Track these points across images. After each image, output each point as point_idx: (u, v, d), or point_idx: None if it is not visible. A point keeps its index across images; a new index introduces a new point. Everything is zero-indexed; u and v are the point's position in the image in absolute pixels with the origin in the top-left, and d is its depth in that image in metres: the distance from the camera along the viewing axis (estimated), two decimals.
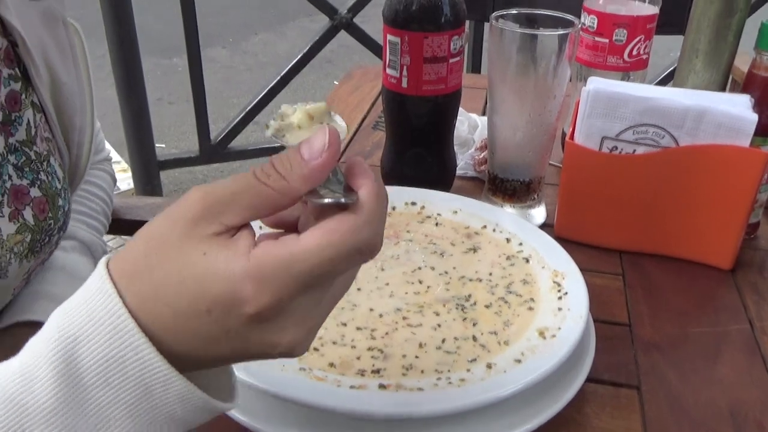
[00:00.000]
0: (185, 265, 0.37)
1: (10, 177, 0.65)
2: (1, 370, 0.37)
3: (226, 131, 2.59)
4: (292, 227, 0.44)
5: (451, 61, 0.82)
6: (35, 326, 0.65)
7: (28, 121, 0.67)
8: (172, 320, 0.37)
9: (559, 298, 0.64)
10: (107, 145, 1.07)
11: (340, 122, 0.45)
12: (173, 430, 0.39)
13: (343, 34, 2.56)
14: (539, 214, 0.87)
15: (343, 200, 0.38)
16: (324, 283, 0.38)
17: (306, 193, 0.38)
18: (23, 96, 0.67)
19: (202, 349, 0.38)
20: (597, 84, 0.78)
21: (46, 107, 0.72)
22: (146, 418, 0.37)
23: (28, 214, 0.66)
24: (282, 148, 0.41)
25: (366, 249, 0.38)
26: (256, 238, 0.38)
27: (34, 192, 0.67)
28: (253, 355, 0.39)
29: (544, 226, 0.83)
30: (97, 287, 0.37)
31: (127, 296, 0.37)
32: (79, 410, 0.36)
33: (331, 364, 0.57)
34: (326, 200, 0.38)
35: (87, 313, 0.36)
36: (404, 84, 0.83)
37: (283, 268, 0.36)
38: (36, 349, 0.37)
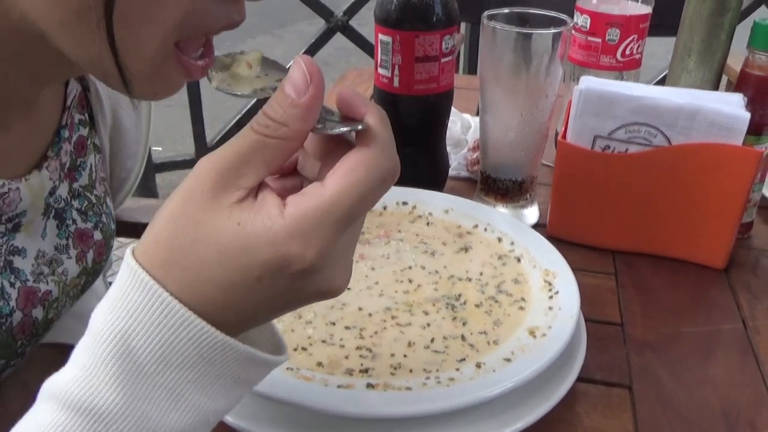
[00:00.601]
0: (223, 240, 0.36)
1: (74, 221, 0.65)
2: (62, 380, 0.36)
3: (222, 134, 2.58)
4: (290, 170, 0.44)
5: (442, 60, 0.82)
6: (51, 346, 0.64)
7: (91, 165, 0.67)
8: (222, 296, 0.37)
9: (550, 297, 0.63)
10: None
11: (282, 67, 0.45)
12: (241, 390, 0.40)
13: (339, 37, 2.56)
14: (532, 214, 0.86)
15: (360, 127, 0.38)
16: (358, 219, 0.39)
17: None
18: (89, 141, 0.67)
19: (253, 314, 0.38)
20: (589, 83, 0.78)
21: (104, 148, 0.72)
22: (213, 388, 0.38)
23: (89, 257, 0.66)
24: None
25: (389, 176, 0.38)
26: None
27: (97, 235, 0.67)
28: (302, 305, 0.40)
29: (536, 226, 0.83)
30: (132, 279, 0.37)
31: (168, 285, 0.36)
32: (148, 399, 0.36)
33: (319, 364, 0.56)
34: (341, 129, 0.38)
35: (130, 306, 0.36)
36: (396, 83, 0.82)
37: (322, 218, 0.36)
38: (86, 353, 0.37)
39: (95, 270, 0.68)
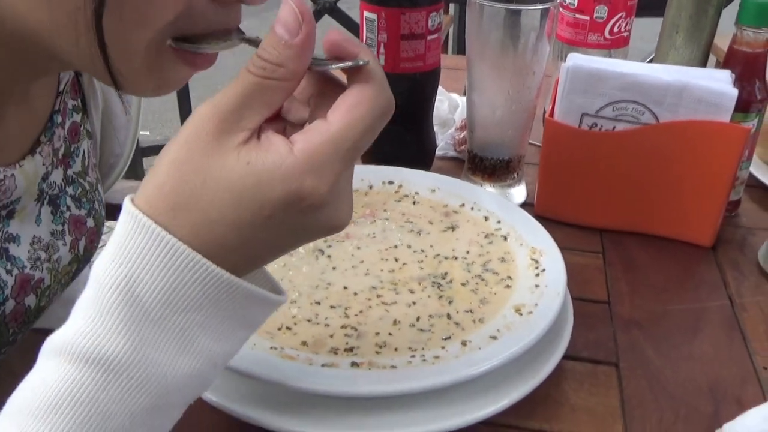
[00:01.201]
0: (234, 180, 0.36)
1: (68, 208, 0.64)
2: (66, 334, 0.36)
3: None
4: (274, 116, 0.43)
5: (429, 38, 0.81)
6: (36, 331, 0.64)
7: (84, 151, 0.66)
8: (232, 235, 0.37)
9: (537, 275, 0.63)
10: None
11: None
12: (246, 331, 0.40)
13: (327, 19, 2.54)
14: (519, 193, 0.86)
15: (361, 62, 0.38)
16: (362, 151, 0.39)
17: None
18: (81, 126, 0.66)
19: (261, 252, 0.39)
20: (577, 60, 0.77)
21: (95, 134, 0.71)
22: (220, 329, 0.38)
23: (82, 244, 0.66)
24: None
25: (388, 110, 0.39)
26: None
27: (90, 222, 0.66)
28: (309, 241, 0.42)
29: (524, 205, 0.82)
30: (134, 225, 0.36)
31: (176, 229, 0.36)
32: (157, 344, 0.36)
33: (304, 343, 0.56)
34: (347, 64, 0.38)
35: (133, 251, 0.36)
36: (381, 61, 0.81)
37: (334, 152, 0.37)
38: (92, 304, 0.36)
39: (86, 258, 0.68)
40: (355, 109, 0.38)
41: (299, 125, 0.41)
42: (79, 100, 0.66)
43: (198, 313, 0.37)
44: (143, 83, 0.46)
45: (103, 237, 0.82)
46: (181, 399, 0.38)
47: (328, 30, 0.40)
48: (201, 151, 0.37)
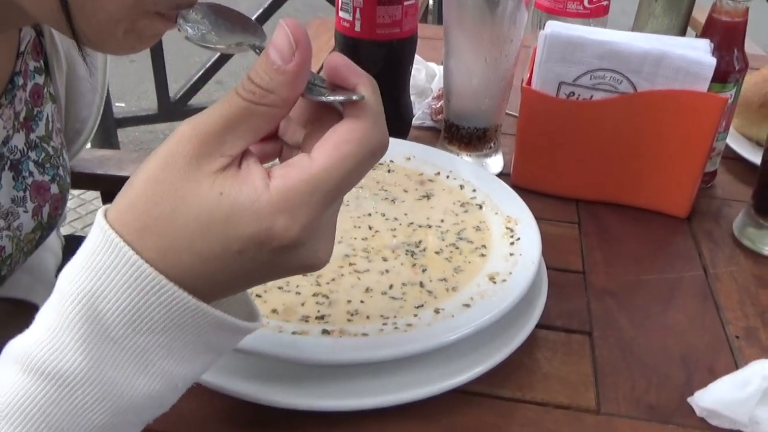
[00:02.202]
0: (205, 210, 0.35)
1: (31, 173, 0.62)
2: (26, 342, 0.35)
3: (185, 88, 2.53)
4: (271, 135, 0.42)
5: (405, 3, 0.79)
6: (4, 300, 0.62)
7: (47, 115, 0.63)
8: (200, 266, 0.35)
9: (511, 243, 0.62)
10: None
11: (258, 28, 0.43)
12: (212, 356, 0.38)
13: None
14: (496, 163, 0.85)
15: (354, 97, 0.36)
16: (345, 192, 0.38)
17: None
18: (45, 89, 0.63)
19: (230, 284, 0.37)
20: (555, 28, 0.76)
21: (59, 98, 0.69)
22: (183, 353, 0.36)
23: (45, 211, 0.63)
24: None
25: (379, 150, 0.37)
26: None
27: (54, 188, 0.64)
28: (282, 277, 0.40)
29: (501, 176, 0.81)
30: (103, 241, 0.35)
31: (143, 252, 0.35)
32: (115, 363, 0.35)
33: (274, 311, 0.55)
34: (338, 98, 0.37)
35: (99, 267, 0.35)
36: (357, 27, 0.80)
37: (310, 193, 0.35)
38: (52, 315, 0.35)
39: (50, 225, 0.66)
40: (342, 147, 0.36)
41: (296, 147, 0.40)
42: (42, 62, 0.64)
43: (161, 335, 0.35)
44: (113, 43, 0.44)
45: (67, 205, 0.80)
46: (137, 419, 0.37)
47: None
48: (177, 172, 0.35)
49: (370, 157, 0.37)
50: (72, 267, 0.35)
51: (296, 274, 0.39)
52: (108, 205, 0.36)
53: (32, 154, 0.62)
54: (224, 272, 0.36)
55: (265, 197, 0.35)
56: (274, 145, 0.42)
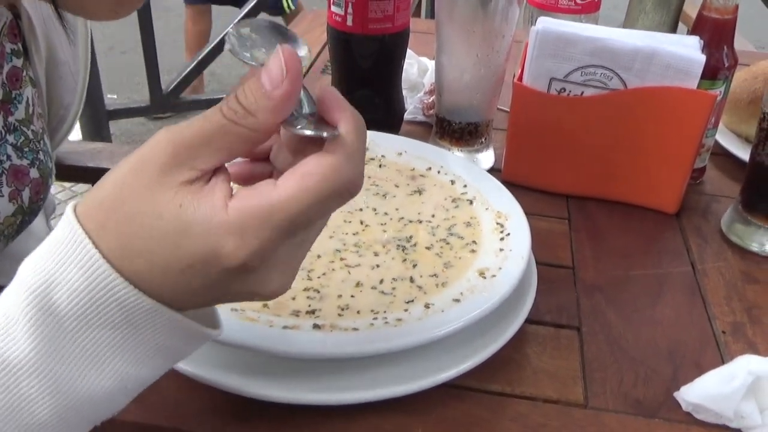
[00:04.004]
0: (161, 219, 0.35)
1: (9, 157, 0.61)
2: None
3: (178, 81, 2.52)
4: (263, 156, 0.42)
5: None
6: None
7: (27, 99, 0.63)
8: (149, 273, 0.35)
9: (501, 239, 0.63)
10: None
11: (300, 44, 0.42)
12: (165, 360, 0.38)
13: None
14: (487, 158, 0.85)
15: (324, 134, 0.36)
16: (305, 228, 0.37)
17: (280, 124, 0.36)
18: (24, 72, 0.63)
19: (181, 297, 0.37)
20: (546, 24, 0.76)
21: (39, 83, 0.68)
22: (135, 353, 0.36)
23: (25, 195, 0.63)
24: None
25: (346, 191, 0.36)
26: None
27: (33, 173, 0.64)
28: (235, 300, 0.39)
29: (492, 171, 0.82)
30: (67, 234, 0.35)
31: (103, 247, 0.35)
32: (65, 357, 0.35)
33: (265, 305, 0.55)
34: (307, 132, 0.36)
35: (59, 258, 0.35)
36: (349, 22, 0.80)
37: (264, 220, 0.35)
38: (9, 301, 0.35)
39: (32, 209, 0.66)
40: (306, 179, 0.35)
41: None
42: (20, 45, 0.64)
43: (113, 331, 0.35)
44: (92, 3, 0.44)
45: (57, 195, 0.80)
46: (82, 420, 0.37)
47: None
48: (146, 177, 0.35)
49: (335, 195, 0.36)
50: (34, 255, 0.36)
51: (248, 300, 0.39)
52: (79, 200, 0.37)
53: (10, 138, 0.62)
54: (175, 283, 0.36)
55: (220, 216, 0.35)
56: (264, 168, 0.42)
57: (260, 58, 0.42)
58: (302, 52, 0.42)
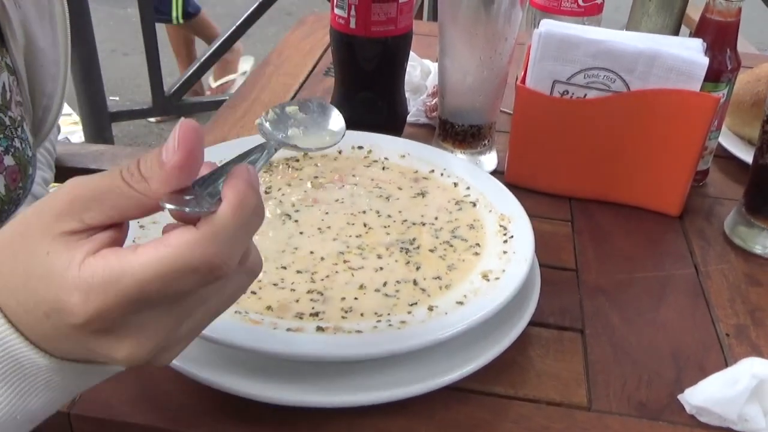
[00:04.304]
0: (31, 264, 0.35)
1: None
2: None
3: (180, 83, 2.52)
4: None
5: (400, 1, 0.80)
6: None
7: (3, 84, 0.63)
8: (24, 316, 0.36)
9: (505, 241, 0.63)
10: None
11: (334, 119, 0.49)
12: (56, 395, 0.39)
13: None
14: (490, 160, 0.85)
15: (186, 210, 0.35)
16: (164, 300, 0.35)
17: (169, 196, 0.35)
18: (1, 60, 0.63)
19: (52, 345, 0.37)
20: (549, 26, 0.76)
21: (18, 71, 0.68)
22: (22, 387, 0.37)
23: (1, 183, 0.63)
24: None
25: (203, 268, 0.35)
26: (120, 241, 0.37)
27: (8, 160, 0.64)
28: (94, 358, 0.37)
29: (495, 173, 0.82)
30: None
31: None
32: None
33: (269, 308, 0.55)
34: (168, 206, 0.35)
35: None
36: (352, 24, 0.80)
37: (111, 282, 0.34)
38: None
39: (11, 198, 0.65)
40: (161, 249, 0.34)
41: None
42: None
43: None
44: None
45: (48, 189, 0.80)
46: None
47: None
48: (41, 221, 0.36)
49: (188, 271, 0.34)
50: None
51: (103, 360, 0.37)
52: None
53: None
54: (41, 331, 0.36)
55: (72, 271, 0.34)
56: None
57: (294, 137, 0.45)
58: (336, 138, 0.48)
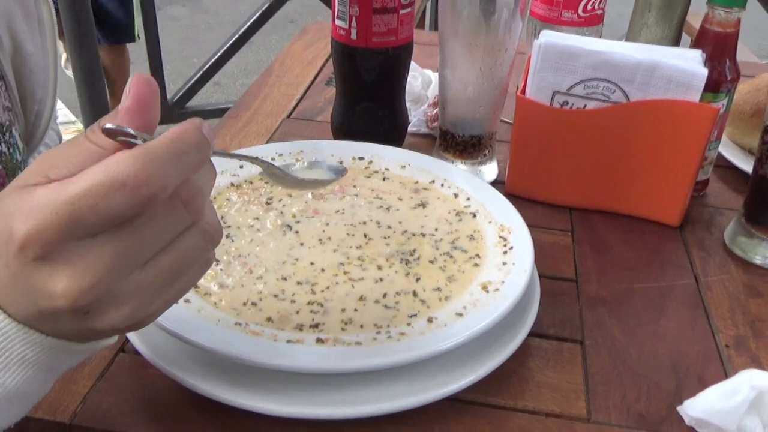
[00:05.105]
0: None
1: None
2: None
3: (183, 90, 2.53)
4: None
5: (401, 12, 0.80)
6: None
7: None
8: None
9: (505, 252, 0.63)
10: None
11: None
12: (34, 373, 0.39)
13: None
14: (491, 170, 0.86)
15: (124, 131, 0.36)
16: (98, 224, 0.35)
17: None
18: None
19: (8, 298, 0.38)
20: (549, 37, 0.77)
21: (6, 76, 0.69)
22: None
23: None
24: None
25: (130, 182, 0.34)
26: None
27: None
28: (38, 304, 0.37)
29: (495, 183, 0.82)
30: None
31: None
32: None
33: (269, 319, 0.55)
34: (109, 126, 0.36)
35: None
36: (353, 36, 0.80)
37: (48, 202, 0.35)
38: None
39: None
40: (94, 168, 0.35)
41: None
42: None
43: None
44: None
45: None
46: None
47: None
48: (13, 182, 0.37)
49: (116, 185, 0.34)
50: None
51: (47, 304, 0.37)
52: None
53: None
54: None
55: (22, 201, 0.35)
56: None
57: (296, 174, 0.50)
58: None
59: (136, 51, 3.58)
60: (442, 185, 0.73)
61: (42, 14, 0.75)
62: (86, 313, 0.37)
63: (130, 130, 0.36)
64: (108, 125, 0.36)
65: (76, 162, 0.36)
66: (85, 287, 0.36)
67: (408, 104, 0.92)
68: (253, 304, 0.57)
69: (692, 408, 0.54)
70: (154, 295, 0.38)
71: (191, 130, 0.37)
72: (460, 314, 0.56)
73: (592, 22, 0.90)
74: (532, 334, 0.60)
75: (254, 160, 0.48)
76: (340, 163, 0.75)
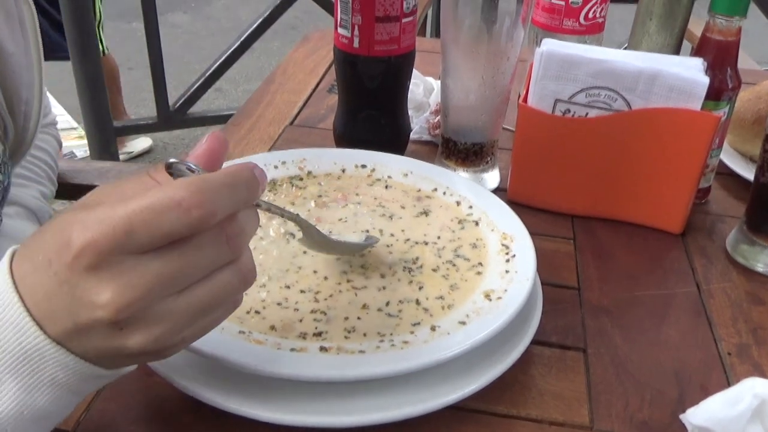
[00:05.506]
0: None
1: None
2: None
3: (185, 97, 2.53)
4: None
5: (404, 20, 0.80)
6: None
7: None
8: (30, 275, 0.38)
9: (507, 260, 0.63)
10: (53, 110, 1.03)
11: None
12: (61, 394, 0.40)
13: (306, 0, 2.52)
14: (493, 178, 0.86)
15: (185, 166, 0.40)
16: (149, 241, 0.37)
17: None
18: None
19: (47, 307, 0.38)
20: (551, 46, 0.77)
21: None
22: (29, 381, 0.38)
23: None
24: None
25: (185, 203, 0.36)
26: None
27: None
28: (81, 318, 0.38)
29: (497, 191, 0.83)
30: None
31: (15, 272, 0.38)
32: None
33: (273, 327, 0.55)
34: (173, 160, 0.40)
35: None
36: (356, 44, 0.81)
37: (107, 215, 0.36)
38: None
39: None
40: (152, 190, 0.37)
41: None
42: None
43: (7, 355, 0.38)
44: None
45: (56, 208, 0.79)
46: None
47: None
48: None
49: (172, 204, 0.36)
50: None
51: (84, 311, 0.37)
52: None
53: None
54: (44, 289, 0.37)
55: (82, 212, 0.37)
56: None
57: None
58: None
59: (137, 58, 3.59)
60: (445, 193, 0.73)
61: (23, 15, 0.75)
62: (121, 328, 0.38)
63: (192, 165, 0.40)
64: (173, 160, 0.40)
65: (131, 194, 0.38)
66: (126, 302, 0.37)
67: (410, 112, 0.93)
68: (257, 312, 0.57)
69: (695, 416, 0.54)
70: (185, 323, 0.39)
71: (245, 168, 0.40)
72: (463, 323, 0.56)
73: (593, 31, 0.91)
74: (534, 342, 0.60)
75: (295, 217, 0.52)
76: (343, 171, 0.75)
